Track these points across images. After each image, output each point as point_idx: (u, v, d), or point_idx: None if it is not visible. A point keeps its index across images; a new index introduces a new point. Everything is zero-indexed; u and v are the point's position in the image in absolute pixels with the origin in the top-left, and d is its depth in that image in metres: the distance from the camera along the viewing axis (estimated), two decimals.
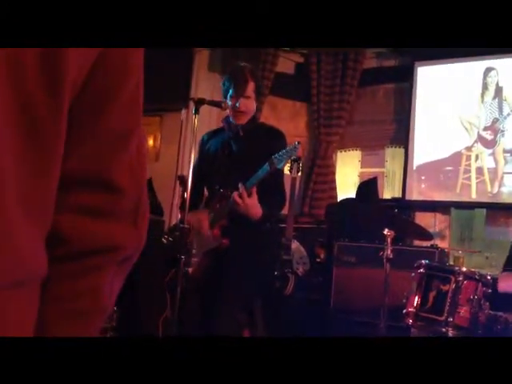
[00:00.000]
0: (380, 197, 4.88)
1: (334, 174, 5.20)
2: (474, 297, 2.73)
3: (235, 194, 2.66)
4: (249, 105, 2.85)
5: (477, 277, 2.78)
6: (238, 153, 2.88)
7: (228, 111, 2.89)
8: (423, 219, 4.69)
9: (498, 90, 4.59)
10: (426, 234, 3.48)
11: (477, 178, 4.59)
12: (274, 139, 2.87)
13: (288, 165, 2.76)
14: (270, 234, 2.98)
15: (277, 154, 2.60)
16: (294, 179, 3.54)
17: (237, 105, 2.82)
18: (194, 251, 2.80)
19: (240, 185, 2.66)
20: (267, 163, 2.60)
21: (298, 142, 2.65)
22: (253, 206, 2.66)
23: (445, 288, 2.77)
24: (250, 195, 2.64)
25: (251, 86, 2.83)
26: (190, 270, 2.76)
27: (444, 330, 2.69)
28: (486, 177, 4.55)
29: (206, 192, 3.07)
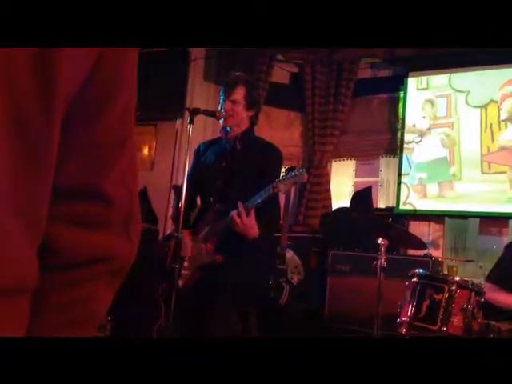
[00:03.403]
0: (374, 206, 4.90)
1: (328, 183, 5.21)
2: (467, 306, 2.73)
3: (234, 214, 2.62)
4: (235, 108, 2.79)
5: (470, 286, 2.79)
6: (235, 167, 2.84)
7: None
8: (417, 228, 4.70)
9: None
10: (419, 244, 3.48)
11: None
12: (271, 156, 2.84)
13: (283, 173, 2.73)
14: (263, 252, 2.93)
15: (281, 179, 2.56)
16: None
17: (222, 107, 2.81)
18: (185, 264, 2.76)
19: (240, 204, 2.62)
20: (270, 186, 2.55)
21: (303, 169, 2.58)
22: (251, 226, 2.63)
23: (438, 297, 2.78)
24: (248, 215, 2.61)
25: (240, 91, 2.80)
26: (180, 282, 2.72)
27: None
28: None
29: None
